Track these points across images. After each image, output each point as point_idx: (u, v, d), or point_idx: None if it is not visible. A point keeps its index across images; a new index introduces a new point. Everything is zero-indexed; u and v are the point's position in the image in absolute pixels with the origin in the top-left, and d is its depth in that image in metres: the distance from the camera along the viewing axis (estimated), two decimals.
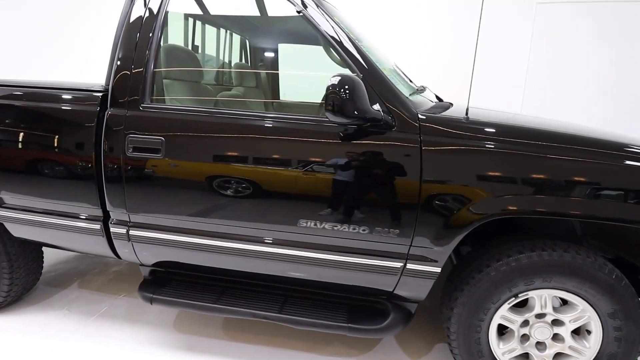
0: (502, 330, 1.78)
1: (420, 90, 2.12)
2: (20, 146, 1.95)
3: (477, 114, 1.82)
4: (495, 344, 1.76)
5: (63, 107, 1.91)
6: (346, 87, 1.44)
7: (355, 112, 1.48)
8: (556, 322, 1.73)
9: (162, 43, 1.88)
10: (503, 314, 1.72)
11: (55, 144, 1.91)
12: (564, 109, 3.99)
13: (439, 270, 1.68)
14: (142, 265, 2.09)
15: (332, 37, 1.70)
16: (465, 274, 1.74)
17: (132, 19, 1.88)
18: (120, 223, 1.92)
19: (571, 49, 3.91)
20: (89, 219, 1.96)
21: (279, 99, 3.20)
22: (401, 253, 1.69)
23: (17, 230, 2.14)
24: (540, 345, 1.77)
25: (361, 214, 1.66)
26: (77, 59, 5.35)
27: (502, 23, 3.90)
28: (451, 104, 2.09)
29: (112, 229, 1.94)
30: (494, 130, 1.63)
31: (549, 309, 1.69)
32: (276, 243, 1.77)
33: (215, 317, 2.37)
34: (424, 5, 4.44)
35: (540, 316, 1.73)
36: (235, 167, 1.73)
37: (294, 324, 1.84)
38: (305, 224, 1.71)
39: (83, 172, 1.89)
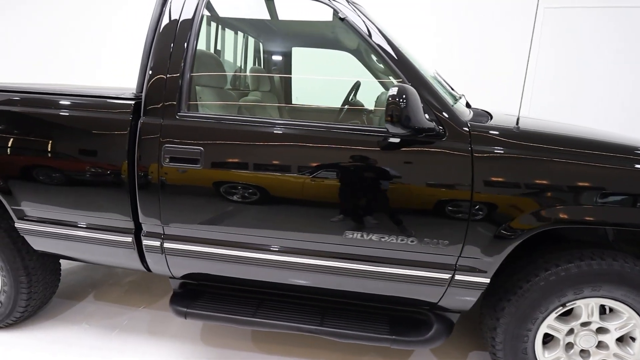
0: (544, 338, 1.78)
1: (459, 98, 2.11)
2: (46, 156, 1.86)
3: (527, 123, 1.81)
4: (541, 353, 1.76)
5: (93, 115, 1.82)
6: (404, 97, 1.41)
7: (413, 123, 1.45)
8: (601, 330, 1.73)
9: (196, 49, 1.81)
10: (550, 323, 1.71)
11: (85, 154, 1.83)
12: (571, 111, 4.05)
13: (487, 281, 1.67)
14: (171, 278, 2.03)
15: (379, 45, 1.66)
16: (511, 283, 1.73)
17: (165, 24, 1.81)
18: (153, 235, 1.85)
19: (577, 53, 3.98)
20: (120, 231, 1.88)
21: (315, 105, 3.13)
22: (449, 264, 1.67)
23: (38, 244, 2.04)
24: (584, 352, 1.77)
25: (410, 224, 1.63)
26: (84, 61, 5.24)
27: (509, 27, 3.93)
28: (488, 112, 2.08)
29: (144, 242, 1.86)
30: (546, 140, 1.63)
31: (595, 317, 1.70)
32: (321, 255, 1.73)
33: (243, 329, 2.31)
34: (429, 7, 4.46)
35: (585, 324, 1.73)
36: (279, 177, 1.68)
37: (337, 336, 1.81)
38: (351, 236, 1.68)
39: (114, 183, 1.81)
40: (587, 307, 1.68)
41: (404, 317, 1.89)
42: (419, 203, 1.62)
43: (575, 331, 1.74)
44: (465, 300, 1.74)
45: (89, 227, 1.91)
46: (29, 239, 2.03)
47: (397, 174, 1.62)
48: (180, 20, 1.79)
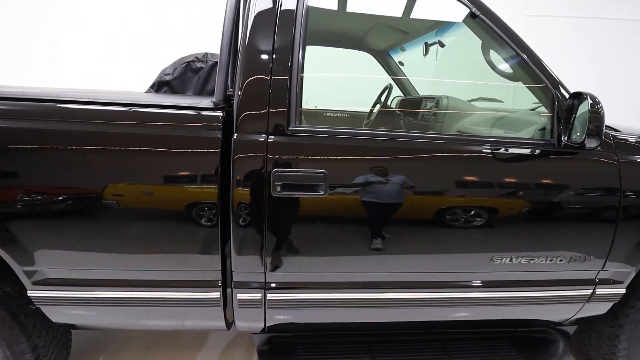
0: None
1: None
2: (90, 190, 1.30)
3: None
4: None
5: (160, 133, 1.31)
6: (600, 106, 1.26)
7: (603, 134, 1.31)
8: None
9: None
10: None
11: (152, 188, 1.32)
12: None
13: (623, 291, 1.63)
14: (257, 333, 1.61)
15: (518, 45, 1.49)
16: (629, 291, 1.72)
17: (257, 16, 1.38)
18: (250, 286, 1.43)
19: (556, 60, 4.31)
20: (201, 285, 1.41)
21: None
22: (590, 279, 1.59)
23: (62, 315, 1.45)
24: None
25: (561, 241, 1.51)
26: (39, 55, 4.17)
27: None
28: None
29: (238, 295, 1.43)
30: None
31: None
32: (463, 286, 1.51)
33: None
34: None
35: None
36: (427, 200, 1.41)
37: None
38: (499, 261, 1.49)
39: (194, 224, 1.34)
40: None
41: (523, 337, 1.78)
42: (572, 217, 1.50)
43: None
44: (596, 313, 1.68)
45: (152, 286, 1.40)
46: (49, 309, 1.43)
47: (554, 187, 1.48)
48: (279, 7, 1.39)
